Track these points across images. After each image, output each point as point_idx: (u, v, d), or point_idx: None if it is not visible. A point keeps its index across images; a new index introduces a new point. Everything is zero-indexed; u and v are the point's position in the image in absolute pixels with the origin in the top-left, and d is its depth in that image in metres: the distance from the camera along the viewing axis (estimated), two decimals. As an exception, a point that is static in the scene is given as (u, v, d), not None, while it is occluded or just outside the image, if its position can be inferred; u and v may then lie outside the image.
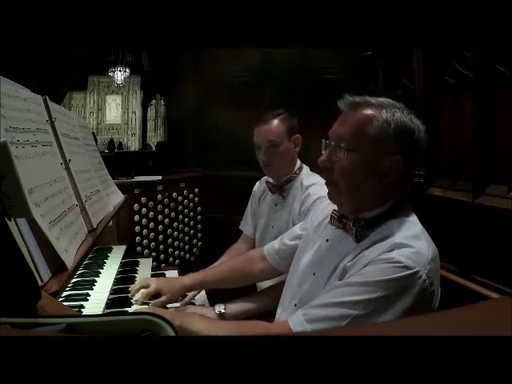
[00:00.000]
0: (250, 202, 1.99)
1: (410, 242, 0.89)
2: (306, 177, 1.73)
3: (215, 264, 1.81)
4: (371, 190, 0.97)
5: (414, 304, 0.84)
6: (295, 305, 1.08)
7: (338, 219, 1.03)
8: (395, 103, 0.99)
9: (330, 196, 1.05)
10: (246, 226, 1.98)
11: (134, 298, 1.27)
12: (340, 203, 1.03)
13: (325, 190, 1.62)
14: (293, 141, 1.71)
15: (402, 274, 0.84)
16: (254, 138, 1.74)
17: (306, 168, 1.78)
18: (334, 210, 1.06)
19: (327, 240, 1.07)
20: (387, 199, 0.98)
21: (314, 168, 1.90)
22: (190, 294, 1.46)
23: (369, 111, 0.96)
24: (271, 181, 1.80)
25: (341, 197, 1.01)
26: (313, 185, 1.67)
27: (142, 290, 1.28)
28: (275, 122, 1.69)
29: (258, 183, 1.97)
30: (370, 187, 0.96)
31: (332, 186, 1.02)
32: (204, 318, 1.06)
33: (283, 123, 1.69)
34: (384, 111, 0.95)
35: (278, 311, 1.19)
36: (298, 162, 1.77)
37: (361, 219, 0.97)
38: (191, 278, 1.38)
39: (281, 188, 1.74)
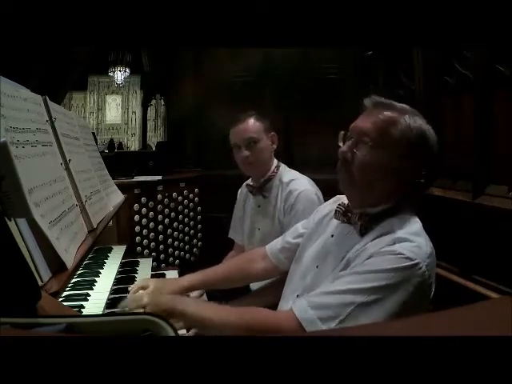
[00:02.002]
0: (235, 210, 1.99)
1: (411, 237, 0.93)
2: (285, 174, 1.75)
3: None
4: (382, 187, 1.01)
5: (414, 294, 0.89)
6: (297, 296, 1.10)
7: (343, 213, 1.07)
8: (415, 110, 1.04)
9: (342, 185, 1.07)
10: (235, 234, 1.97)
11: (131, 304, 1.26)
12: (351, 194, 1.06)
13: (305, 183, 1.67)
14: (270, 138, 1.74)
15: (404, 264, 0.89)
16: (230, 139, 1.75)
17: (283, 166, 1.80)
18: (338, 204, 1.10)
19: (332, 235, 1.11)
20: (391, 197, 1.02)
21: (312, 167, 1.90)
22: (191, 296, 1.45)
23: (394, 114, 1.00)
24: (251, 183, 1.81)
25: (353, 188, 1.04)
26: (292, 181, 1.69)
27: (141, 291, 1.28)
28: (251, 120, 1.71)
29: (239, 190, 1.97)
30: (382, 185, 1.01)
31: (347, 176, 1.04)
32: (207, 303, 1.06)
33: (259, 121, 1.71)
34: (407, 116, 1.00)
35: (280, 306, 1.20)
36: (275, 161, 1.78)
37: (365, 214, 1.01)
38: (191, 278, 1.37)
39: (261, 189, 1.75)
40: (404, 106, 1.04)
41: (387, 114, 1.01)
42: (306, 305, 0.93)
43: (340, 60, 2.83)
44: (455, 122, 1.76)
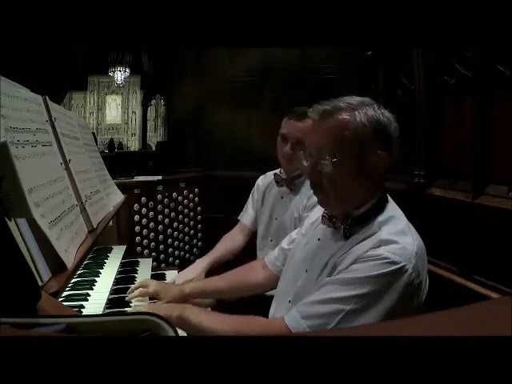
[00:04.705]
0: (251, 195, 2.02)
1: (396, 238, 0.93)
2: None
3: (210, 252, 1.81)
4: (360, 188, 1.00)
5: (402, 297, 0.89)
6: (289, 301, 1.10)
7: (329, 218, 1.07)
8: (364, 100, 1.01)
9: (322, 204, 1.08)
10: (245, 215, 2.00)
11: (130, 295, 1.26)
12: (333, 208, 1.06)
13: None
14: None
15: (390, 269, 0.89)
16: (281, 128, 1.74)
17: None
18: (324, 209, 1.10)
19: (318, 239, 1.11)
20: (373, 195, 1.01)
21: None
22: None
23: (342, 116, 0.98)
24: (280, 174, 1.83)
25: (333, 203, 1.04)
26: None
27: (140, 289, 1.28)
28: (309, 121, 1.75)
29: (262, 177, 2.00)
30: (359, 187, 1.00)
31: (322, 195, 1.04)
32: (204, 311, 1.07)
33: None
34: (356, 113, 0.97)
35: (272, 308, 1.21)
36: None
37: (348, 217, 1.00)
38: (191, 286, 1.35)
39: (290, 182, 1.78)
40: (350, 100, 1.00)
41: (336, 118, 0.98)
42: (297, 314, 0.94)
43: (340, 60, 2.83)
44: (455, 122, 1.76)
